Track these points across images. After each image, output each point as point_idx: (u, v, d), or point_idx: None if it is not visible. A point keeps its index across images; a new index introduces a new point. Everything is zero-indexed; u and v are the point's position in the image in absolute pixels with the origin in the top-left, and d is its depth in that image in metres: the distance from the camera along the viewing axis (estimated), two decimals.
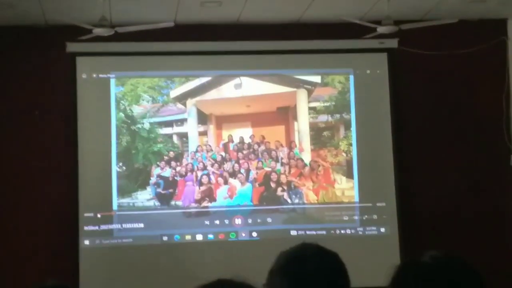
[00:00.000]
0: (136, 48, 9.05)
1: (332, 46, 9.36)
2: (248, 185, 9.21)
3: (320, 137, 9.40)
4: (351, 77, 9.39)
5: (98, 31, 7.87)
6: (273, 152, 9.29)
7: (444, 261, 2.74)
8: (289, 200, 9.23)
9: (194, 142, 9.21)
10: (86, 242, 8.84)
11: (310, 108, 9.40)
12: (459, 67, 9.53)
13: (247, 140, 9.30)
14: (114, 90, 9.07)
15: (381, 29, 8.16)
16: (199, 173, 9.14)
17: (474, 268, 2.74)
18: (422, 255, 2.78)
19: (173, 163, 9.12)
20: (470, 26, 9.39)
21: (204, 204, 9.10)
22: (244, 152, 9.28)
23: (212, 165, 9.18)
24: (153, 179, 9.07)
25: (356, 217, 9.26)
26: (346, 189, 9.32)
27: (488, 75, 9.62)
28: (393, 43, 9.29)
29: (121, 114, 9.09)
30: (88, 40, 8.18)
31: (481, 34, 9.50)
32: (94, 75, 9.06)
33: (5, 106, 8.96)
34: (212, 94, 9.29)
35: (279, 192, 9.22)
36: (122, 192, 8.99)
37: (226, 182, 9.18)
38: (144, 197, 9.04)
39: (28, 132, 8.96)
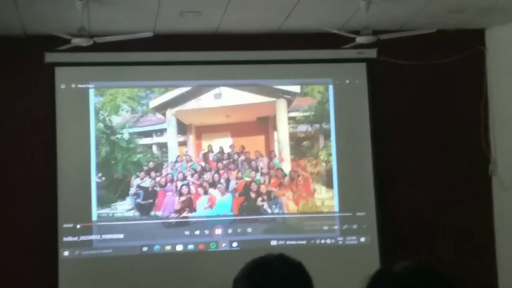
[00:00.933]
0: (115, 58, 9.04)
1: (311, 56, 9.38)
2: (228, 195, 9.20)
3: (300, 147, 9.41)
4: (330, 87, 9.41)
5: (76, 41, 7.84)
6: (253, 162, 9.29)
7: (417, 271, 2.75)
8: (269, 210, 9.23)
9: (173, 152, 9.20)
10: (66, 253, 8.79)
11: (289, 118, 9.42)
12: (438, 76, 9.58)
13: (227, 150, 9.30)
14: (94, 100, 9.04)
15: (360, 39, 8.18)
16: (179, 183, 9.12)
17: (450, 278, 2.74)
18: (395, 265, 2.79)
19: (152, 174, 9.10)
20: (449, 36, 9.45)
21: (184, 214, 9.08)
22: (224, 162, 9.27)
23: (192, 175, 9.17)
24: (132, 190, 9.05)
25: (336, 227, 9.27)
26: (326, 199, 9.33)
27: (466, 84, 9.67)
28: (372, 53, 9.33)
29: (100, 124, 9.06)
30: (67, 50, 8.15)
31: (460, 44, 9.56)
32: (73, 85, 9.03)
33: None
34: (191, 104, 9.28)
35: (259, 202, 9.22)
36: (102, 203, 8.95)
37: (206, 192, 9.17)
38: (124, 208, 9.00)
39: (6, 142, 8.91)
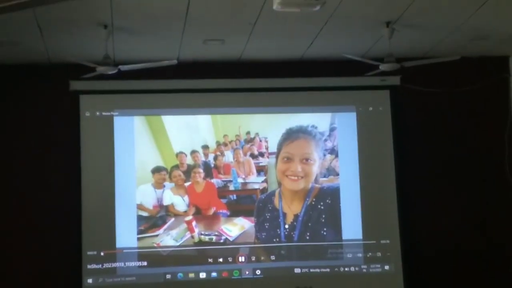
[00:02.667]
0: (140, 86, 9.09)
1: (334, 83, 9.39)
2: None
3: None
4: (354, 114, 9.40)
5: (101, 69, 7.91)
6: None
7: None
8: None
9: None
10: (89, 280, 8.80)
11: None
12: (461, 104, 9.54)
13: None
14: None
15: (383, 67, 8.19)
16: None
17: None
18: None
19: None
20: (472, 63, 9.41)
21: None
22: None
23: None
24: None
25: (360, 255, 9.22)
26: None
27: (490, 112, 9.63)
28: (395, 81, 9.32)
29: None
30: (91, 78, 8.22)
31: (483, 71, 9.53)
32: (98, 113, 9.08)
33: (9, 144, 8.97)
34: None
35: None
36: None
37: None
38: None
39: (31, 170, 8.97)
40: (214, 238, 9.13)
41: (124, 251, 8.92)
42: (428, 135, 9.50)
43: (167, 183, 9.14)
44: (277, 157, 9.32)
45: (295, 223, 9.21)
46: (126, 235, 8.95)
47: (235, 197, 9.30)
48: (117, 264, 8.89)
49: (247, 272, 9.08)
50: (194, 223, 9.12)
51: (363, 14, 7.64)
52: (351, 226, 9.25)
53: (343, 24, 7.94)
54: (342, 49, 8.51)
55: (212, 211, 9.21)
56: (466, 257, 9.37)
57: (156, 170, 9.13)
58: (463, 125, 9.57)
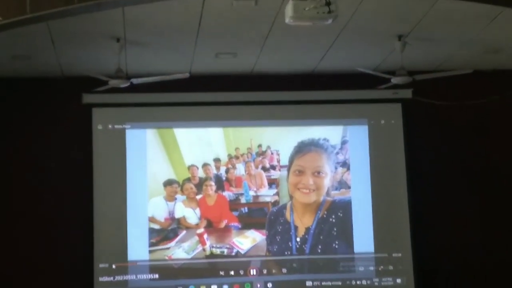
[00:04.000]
0: (152, 99, 9.12)
1: (346, 97, 9.39)
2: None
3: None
4: (366, 127, 9.39)
5: (114, 82, 7.94)
6: None
7: None
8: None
9: None
10: None
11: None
12: (473, 117, 9.52)
13: None
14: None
15: (395, 80, 8.19)
16: None
17: None
18: None
19: None
20: (485, 77, 9.39)
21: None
22: None
23: None
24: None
25: (372, 268, 9.20)
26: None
27: (502, 125, 9.60)
28: (407, 94, 9.32)
29: None
30: (104, 91, 8.25)
31: (496, 84, 9.50)
32: (110, 126, 9.11)
33: (22, 157, 9.00)
34: None
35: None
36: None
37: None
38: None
39: (44, 182, 8.99)
40: (225, 251, 9.13)
41: (136, 263, 8.92)
42: (440, 148, 9.48)
43: (178, 196, 9.15)
44: (288, 170, 9.32)
45: (306, 236, 9.20)
46: (137, 247, 8.97)
47: (246, 210, 9.30)
48: (128, 277, 8.90)
49: (258, 285, 9.07)
50: (205, 236, 9.13)
51: (375, 27, 7.65)
52: (363, 239, 9.24)
53: (355, 38, 7.95)
54: (354, 62, 8.52)
55: (223, 224, 9.21)
56: (479, 271, 9.33)
57: (168, 183, 9.15)
58: (475, 138, 9.54)
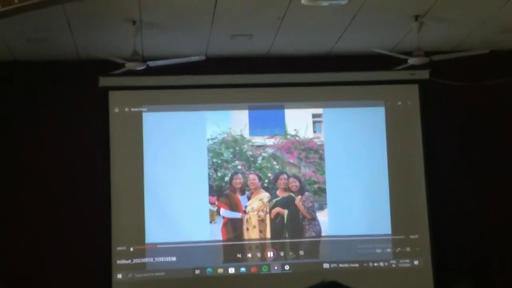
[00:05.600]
0: (168, 82, 9.12)
1: (363, 78, 9.36)
2: None
3: None
4: (383, 109, 9.36)
5: (130, 65, 7.95)
6: None
7: None
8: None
9: None
10: (119, 275, 8.85)
11: None
12: (491, 98, 9.47)
13: None
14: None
15: (412, 61, 8.15)
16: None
17: None
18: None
19: None
20: (502, 56, 9.34)
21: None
22: None
23: None
24: None
25: (389, 250, 9.19)
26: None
27: None
28: (424, 74, 9.27)
29: None
30: (120, 74, 8.26)
31: None
32: (126, 109, 9.12)
33: (39, 140, 9.03)
34: None
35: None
36: None
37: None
38: None
39: (61, 166, 9.02)
40: None
41: (155, 246, 8.95)
42: (458, 129, 9.45)
43: None
44: None
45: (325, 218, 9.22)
46: (155, 230, 8.98)
47: None
48: (146, 260, 8.93)
49: (276, 268, 9.09)
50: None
51: (392, 7, 7.62)
52: (380, 221, 9.22)
53: (371, 18, 7.92)
54: (371, 43, 8.49)
55: None
56: (496, 252, 9.30)
57: None
58: (493, 119, 9.50)
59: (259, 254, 9.10)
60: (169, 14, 7.56)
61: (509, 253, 9.32)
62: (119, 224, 8.90)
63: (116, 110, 9.11)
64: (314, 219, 9.23)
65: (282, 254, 9.13)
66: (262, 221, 9.18)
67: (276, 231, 9.17)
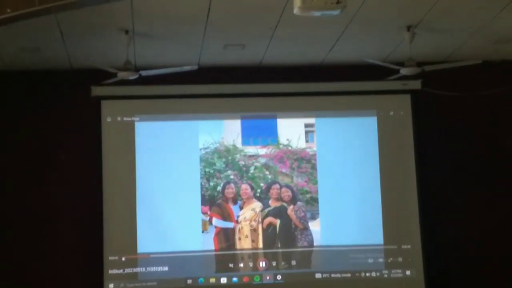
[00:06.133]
0: (160, 91, 9.12)
1: (355, 88, 9.37)
2: None
3: None
4: (375, 119, 9.37)
5: (122, 75, 7.94)
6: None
7: None
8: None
9: None
10: (111, 285, 8.83)
11: None
12: (483, 108, 9.49)
13: None
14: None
15: (404, 71, 8.17)
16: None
17: None
18: None
19: None
20: (494, 67, 9.36)
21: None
22: None
23: None
24: None
25: (381, 260, 9.19)
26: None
27: None
28: (416, 85, 9.30)
29: None
30: (113, 84, 8.25)
31: (505, 75, 9.47)
32: (119, 118, 9.12)
33: (31, 149, 9.02)
34: None
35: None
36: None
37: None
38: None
39: (53, 175, 9.00)
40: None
41: (146, 256, 8.93)
42: (450, 139, 9.46)
43: None
44: None
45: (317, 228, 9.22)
46: (147, 240, 8.97)
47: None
48: (138, 269, 8.91)
49: (268, 277, 9.08)
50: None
51: (384, 18, 7.63)
52: (372, 231, 9.22)
53: (363, 28, 7.93)
54: (363, 53, 8.50)
55: None
56: (488, 263, 9.31)
57: None
58: (485, 129, 9.51)
59: (251, 264, 9.09)
60: (162, 24, 7.56)
61: (502, 264, 9.32)
62: (111, 234, 8.88)
63: (109, 119, 9.10)
64: (306, 229, 9.22)
65: (274, 264, 9.12)
66: (254, 230, 9.17)
67: (269, 241, 9.16)
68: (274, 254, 9.15)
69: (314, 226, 9.24)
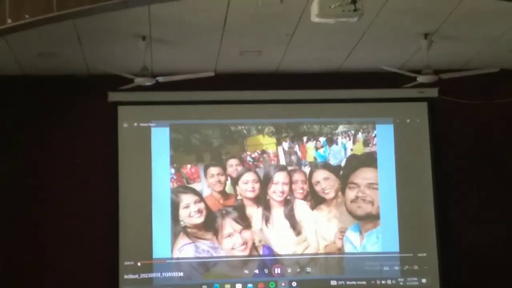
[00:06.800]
0: (177, 97, 9.13)
1: (372, 95, 9.36)
2: None
3: None
4: (392, 126, 9.36)
5: (139, 81, 7.96)
6: None
7: None
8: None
9: None
10: None
11: None
12: (500, 116, 9.46)
13: None
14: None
15: (421, 79, 8.15)
16: None
17: None
18: None
19: None
20: (511, 75, 9.32)
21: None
22: None
23: None
24: None
25: (397, 268, 9.17)
26: None
27: None
28: (433, 92, 9.28)
29: None
30: (129, 90, 8.27)
31: None
32: (135, 124, 9.14)
33: (48, 154, 9.05)
34: None
35: None
36: None
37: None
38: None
39: (69, 180, 9.03)
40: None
41: (163, 261, 8.94)
42: (467, 147, 9.43)
43: None
44: None
45: None
46: (163, 245, 8.98)
47: None
48: (153, 275, 8.93)
49: (283, 284, 9.07)
50: None
51: (401, 25, 7.62)
52: (388, 238, 9.20)
53: (380, 36, 7.93)
54: (380, 60, 8.49)
55: None
56: (505, 272, 9.27)
57: None
58: (502, 137, 9.48)
59: (266, 271, 9.08)
60: (179, 30, 7.58)
61: None
62: (127, 239, 8.91)
63: (125, 125, 9.13)
64: None
65: (289, 270, 9.11)
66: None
67: None
68: (289, 261, 9.13)
69: None
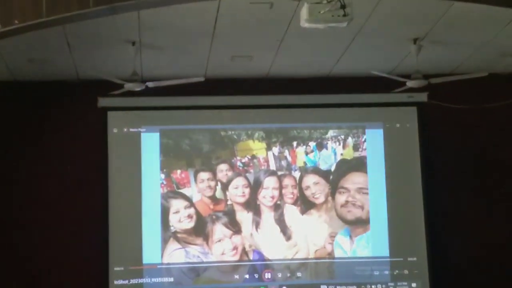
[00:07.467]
0: (167, 102, 9.13)
1: (361, 100, 9.37)
2: None
3: None
4: (381, 131, 9.38)
5: (129, 86, 7.96)
6: None
7: None
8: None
9: None
10: None
11: None
12: (490, 120, 9.48)
13: None
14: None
15: (410, 83, 8.17)
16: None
17: None
18: None
19: None
20: (500, 79, 9.36)
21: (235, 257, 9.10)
22: None
23: None
24: None
25: (387, 272, 9.18)
26: None
27: None
28: (422, 97, 9.30)
29: None
30: (119, 95, 8.27)
31: (511, 88, 9.46)
32: (125, 129, 9.13)
33: (38, 160, 9.03)
34: None
35: None
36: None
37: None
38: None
39: (59, 185, 9.01)
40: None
41: (153, 266, 8.93)
42: (456, 152, 9.44)
43: None
44: None
45: None
46: (153, 251, 8.97)
47: None
48: (143, 280, 8.91)
49: None
50: None
51: (391, 30, 7.64)
52: (378, 243, 9.21)
53: (370, 41, 7.95)
54: (369, 65, 8.50)
55: None
56: (495, 275, 9.28)
57: None
58: (491, 141, 9.50)
59: (256, 275, 9.07)
60: (169, 35, 7.58)
61: (509, 276, 9.29)
62: (117, 244, 8.88)
63: (115, 130, 9.12)
64: None
65: (279, 275, 9.10)
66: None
67: None
68: (279, 266, 9.13)
69: None
